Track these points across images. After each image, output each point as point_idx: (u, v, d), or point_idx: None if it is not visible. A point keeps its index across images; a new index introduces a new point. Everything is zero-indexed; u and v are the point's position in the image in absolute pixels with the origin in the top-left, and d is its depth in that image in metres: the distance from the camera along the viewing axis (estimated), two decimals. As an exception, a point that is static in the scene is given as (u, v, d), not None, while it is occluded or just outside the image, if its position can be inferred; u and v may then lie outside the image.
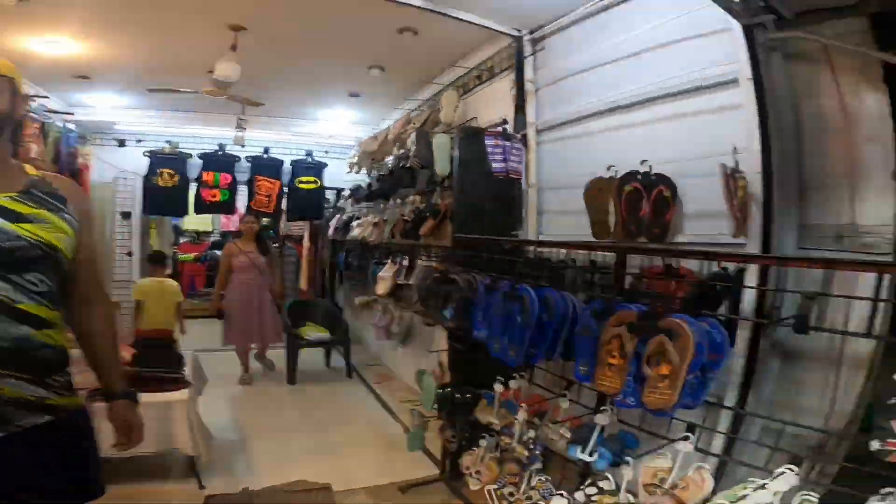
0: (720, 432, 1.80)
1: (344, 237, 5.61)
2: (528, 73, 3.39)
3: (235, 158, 5.96)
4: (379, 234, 4.55)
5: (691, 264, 1.94)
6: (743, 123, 1.88)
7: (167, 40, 3.83)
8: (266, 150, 6.17)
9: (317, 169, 6.32)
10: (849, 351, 1.64)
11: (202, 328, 4.99)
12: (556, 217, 3.16)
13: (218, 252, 7.12)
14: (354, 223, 5.22)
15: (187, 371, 3.08)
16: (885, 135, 1.59)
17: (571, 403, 2.30)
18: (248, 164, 6.03)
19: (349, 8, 3.28)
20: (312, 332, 5.27)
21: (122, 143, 6.11)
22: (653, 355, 1.51)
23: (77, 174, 4.85)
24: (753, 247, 1.78)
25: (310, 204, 6.29)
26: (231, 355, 5.03)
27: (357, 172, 5.71)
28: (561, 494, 2.11)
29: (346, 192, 6.30)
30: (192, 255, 8.18)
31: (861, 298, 1.26)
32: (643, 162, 2.27)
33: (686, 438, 1.70)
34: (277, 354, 5.20)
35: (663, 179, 2.21)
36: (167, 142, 5.92)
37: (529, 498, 2.34)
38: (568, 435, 2.23)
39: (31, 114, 4.18)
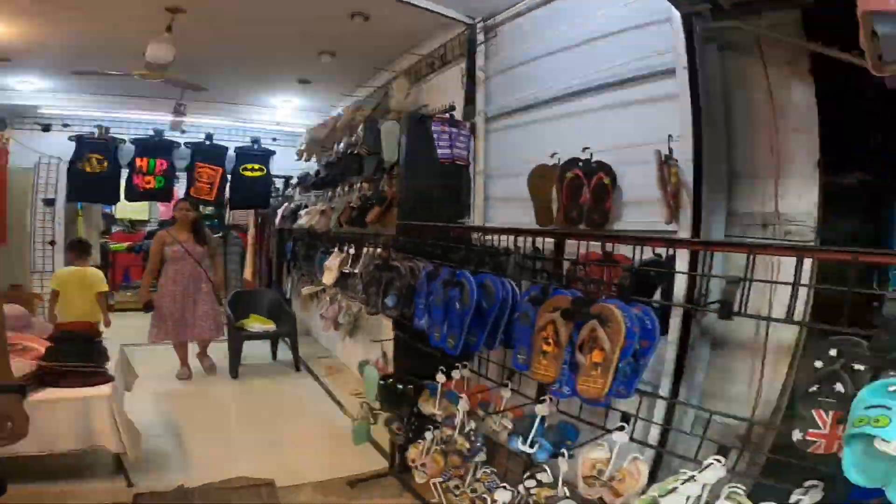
0: (653, 422, 1.81)
1: (292, 226, 5.45)
2: (480, 61, 3.36)
3: (174, 144, 5.72)
4: (326, 222, 4.45)
5: (629, 251, 1.95)
6: (679, 112, 1.89)
7: (97, 21, 3.59)
8: (209, 137, 5.92)
9: (263, 156, 6.13)
10: (774, 339, 1.67)
11: (141, 321, 4.71)
12: (503, 205, 3.14)
13: (154, 242, 6.78)
14: (302, 212, 5.08)
15: (111, 365, 2.91)
16: (811, 125, 1.63)
17: (514, 393, 2.29)
18: (189, 151, 5.75)
19: (297, -10, 3.17)
20: (256, 324, 5.10)
21: (46, 128, 5.74)
22: (585, 342, 1.50)
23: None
24: (684, 233, 1.80)
25: (255, 192, 6.11)
26: (170, 350, 4.78)
27: (307, 160, 5.60)
28: (504, 487, 2.09)
29: (295, 181, 6.13)
30: (124, 245, 7.77)
31: (781, 283, 1.27)
32: (585, 149, 2.27)
33: (621, 429, 1.71)
34: (221, 348, 4.99)
35: (603, 167, 2.21)
36: (97, 126, 5.62)
37: (474, 490, 2.33)
38: (509, 426, 2.22)
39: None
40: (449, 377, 2.49)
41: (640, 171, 2.08)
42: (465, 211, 3.33)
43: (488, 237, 2.56)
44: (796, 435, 1.18)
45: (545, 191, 2.39)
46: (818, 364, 1.16)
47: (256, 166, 6.04)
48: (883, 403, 1.02)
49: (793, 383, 1.52)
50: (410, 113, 3.62)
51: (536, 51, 2.89)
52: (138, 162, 5.56)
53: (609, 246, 1.88)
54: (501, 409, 2.28)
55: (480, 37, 3.35)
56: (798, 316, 1.51)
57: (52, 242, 5.86)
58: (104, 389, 2.67)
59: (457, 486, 2.41)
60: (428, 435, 2.50)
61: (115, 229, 8.42)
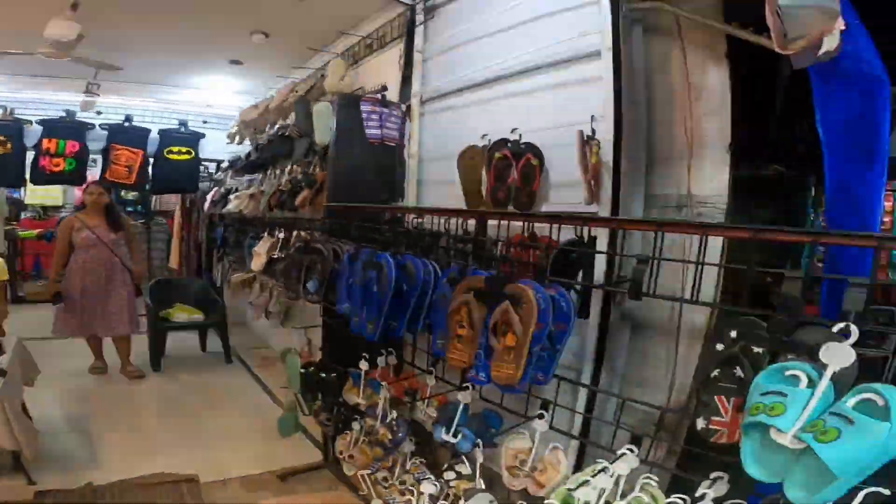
0: (571, 409, 1.78)
1: (222, 211, 5.18)
2: (418, 42, 3.26)
3: (88, 126, 5.31)
4: (255, 206, 4.24)
5: (554, 233, 1.91)
6: (602, 94, 1.88)
7: (2, -1, 3.27)
8: (128, 118, 5.54)
9: (192, 139, 5.78)
10: (689, 321, 1.67)
11: (52, 313, 4.31)
12: (436, 187, 3.08)
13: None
14: (231, 196, 4.83)
15: (4, 360, 2.65)
16: (724, 109, 1.64)
17: (438, 381, 2.22)
18: (105, 133, 5.36)
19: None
20: (182, 313, 4.81)
21: (-58, 110, 5.20)
22: (499, 325, 1.44)
23: None
24: (604, 214, 1.78)
25: (182, 176, 5.75)
26: (84, 343, 4.42)
27: (239, 143, 5.34)
28: (429, 479, 2.04)
29: (226, 164, 5.84)
30: (34, 233, 7.20)
31: (688, 263, 1.26)
32: (514, 130, 2.23)
33: (541, 417, 1.66)
34: (145, 341, 4.67)
35: (532, 148, 2.18)
36: (1, 107, 5.15)
37: (403, 482, 2.25)
38: (434, 414, 2.15)
39: None
40: (374, 365, 2.40)
41: (568, 153, 2.05)
42: (398, 194, 3.24)
43: (418, 219, 2.48)
44: (700, 423, 1.13)
45: (475, 172, 2.34)
46: (719, 347, 1.12)
47: (184, 149, 5.68)
48: (778, 390, 0.95)
49: (695, 368, 1.52)
50: (343, 94, 3.48)
51: (473, 33, 2.83)
52: (46, 143, 5.11)
53: (539, 228, 1.83)
54: (426, 397, 2.22)
55: (420, 17, 3.26)
56: (709, 298, 1.51)
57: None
58: (-9, 385, 2.42)
59: (385, 478, 2.33)
60: (355, 425, 2.42)
61: (24, 215, 7.81)
